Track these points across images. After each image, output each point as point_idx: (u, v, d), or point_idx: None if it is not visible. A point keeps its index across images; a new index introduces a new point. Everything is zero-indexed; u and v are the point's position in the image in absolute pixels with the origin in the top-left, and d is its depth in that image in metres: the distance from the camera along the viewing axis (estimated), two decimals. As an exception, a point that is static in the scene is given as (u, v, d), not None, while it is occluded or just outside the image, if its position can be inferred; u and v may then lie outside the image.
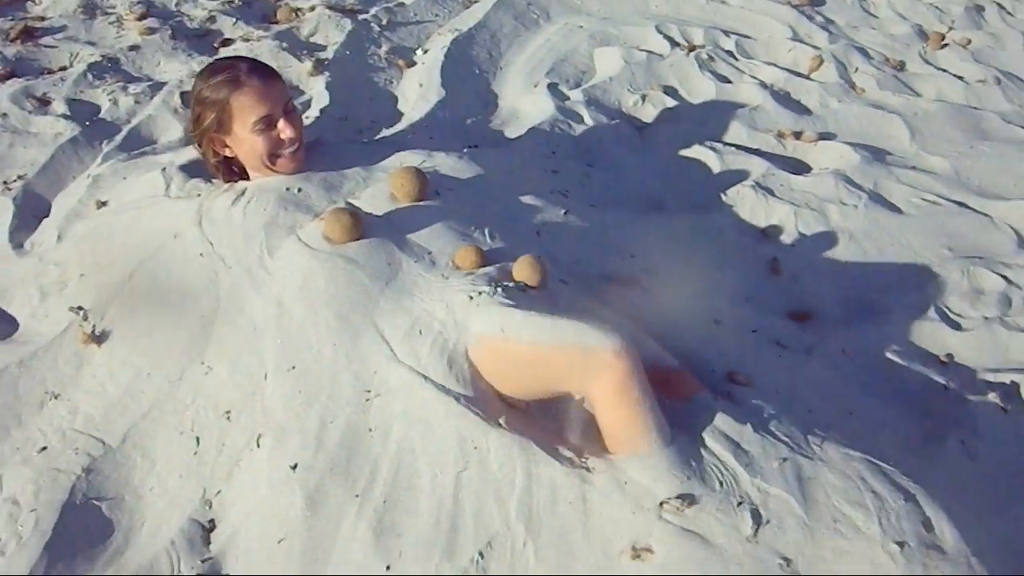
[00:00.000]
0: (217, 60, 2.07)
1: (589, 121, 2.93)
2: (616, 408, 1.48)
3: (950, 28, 3.78)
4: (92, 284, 1.93)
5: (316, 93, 2.89)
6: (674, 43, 3.55)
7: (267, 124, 1.96)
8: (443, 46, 3.29)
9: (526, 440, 1.48)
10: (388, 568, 1.41)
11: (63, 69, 2.94)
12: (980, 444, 1.77)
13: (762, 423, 1.58)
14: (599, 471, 1.46)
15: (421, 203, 1.93)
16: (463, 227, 1.88)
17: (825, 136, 2.95)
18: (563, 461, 1.46)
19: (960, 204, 2.57)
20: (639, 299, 1.91)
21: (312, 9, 3.47)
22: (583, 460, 1.48)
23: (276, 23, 3.40)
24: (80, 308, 1.86)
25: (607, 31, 3.62)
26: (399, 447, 1.52)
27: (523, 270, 1.67)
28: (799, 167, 2.82)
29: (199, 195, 2.01)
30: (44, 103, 2.69)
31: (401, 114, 2.94)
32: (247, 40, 3.16)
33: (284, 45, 3.10)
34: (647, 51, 3.44)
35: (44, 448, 1.67)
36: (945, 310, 2.17)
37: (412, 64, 3.26)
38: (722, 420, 1.57)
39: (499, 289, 1.62)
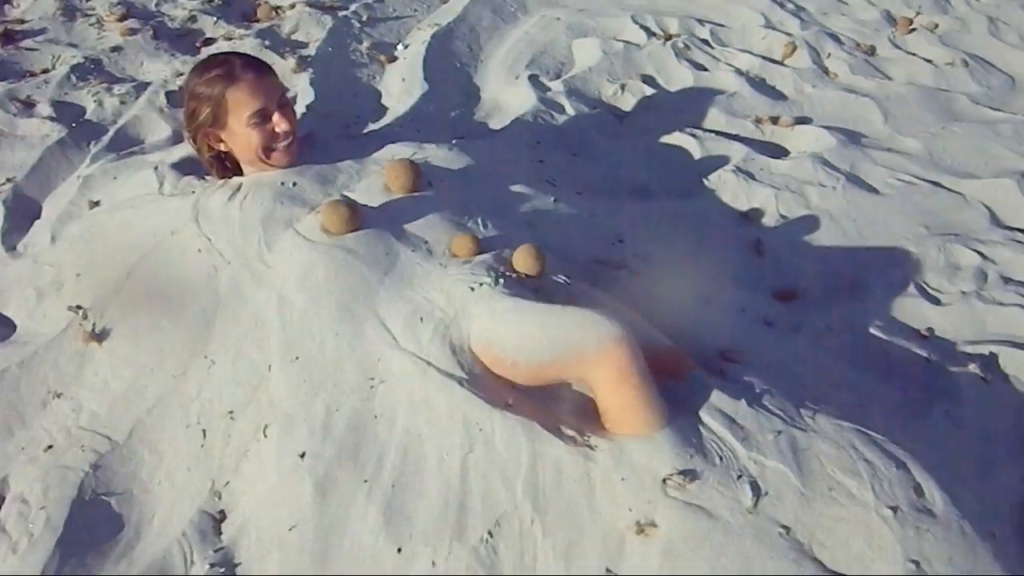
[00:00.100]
0: (211, 56, 2.07)
1: (571, 111, 2.95)
2: (616, 394, 1.51)
3: (917, 13, 3.83)
4: (89, 283, 1.92)
5: (301, 90, 2.89)
6: (650, 33, 3.58)
7: (262, 118, 1.96)
8: (423, 41, 3.30)
9: (530, 421, 1.50)
10: (400, 551, 1.43)
11: (46, 71, 2.92)
12: (963, 413, 1.82)
13: (756, 398, 1.62)
14: (601, 449, 1.49)
15: (415, 194, 1.94)
16: (457, 216, 1.89)
17: (801, 120, 3.00)
18: (566, 440, 1.49)
19: (934, 183, 2.62)
20: (630, 282, 1.94)
21: (292, 7, 3.46)
22: (585, 438, 1.50)
23: (257, 21, 3.39)
24: (79, 307, 1.85)
25: (584, 22, 3.64)
26: (405, 432, 1.54)
27: (523, 260, 1.69)
28: (777, 151, 2.86)
29: (193, 192, 2.01)
30: (29, 105, 2.67)
31: (385, 108, 2.95)
32: (229, 39, 3.15)
33: (267, 43, 3.09)
34: (624, 41, 3.47)
35: (50, 447, 1.67)
36: (924, 286, 2.22)
37: (393, 59, 3.27)
38: (717, 397, 1.60)
39: (500, 280, 1.64)
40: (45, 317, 1.93)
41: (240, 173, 2.06)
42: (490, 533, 1.42)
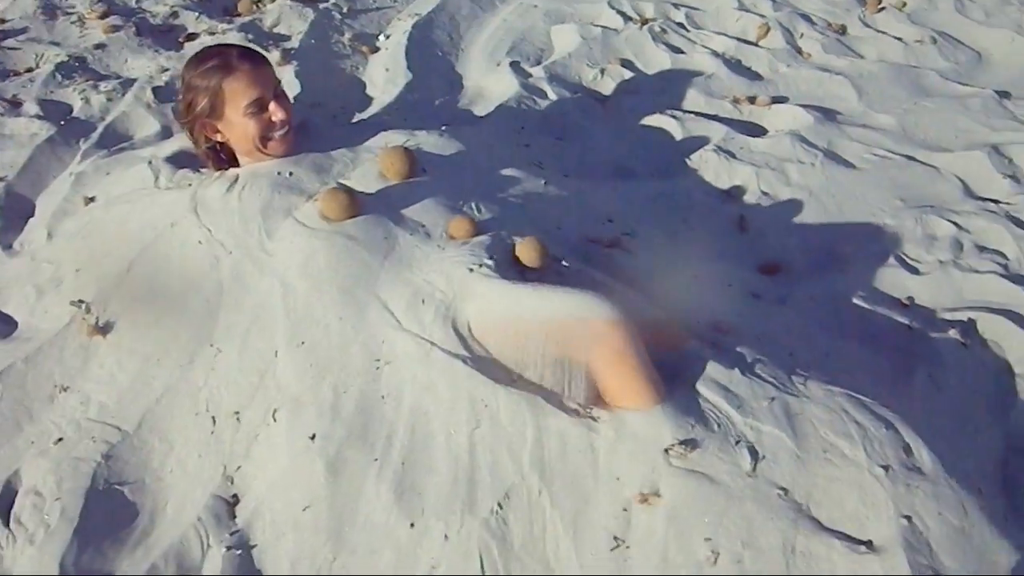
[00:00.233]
0: (206, 47, 2.07)
1: (553, 96, 2.98)
2: (614, 376, 1.54)
3: (885, -8, 3.88)
4: (90, 278, 1.92)
5: (286, 82, 2.86)
6: (627, 17, 3.60)
7: (259, 107, 1.97)
8: (404, 31, 3.31)
9: (533, 395, 1.53)
10: (412, 525, 1.45)
11: (30, 70, 2.89)
12: (945, 376, 1.86)
13: (748, 367, 1.66)
14: (603, 420, 1.52)
15: (410, 180, 1.96)
16: (452, 201, 1.91)
17: (778, 100, 3.04)
18: (569, 412, 1.52)
19: (908, 157, 2.66)
20: (623, 259, 1.97)
21: (273, 0, 3.44)
22: (588, 410, 1.54)
23: (238, 15, 3.37)
24: (81, 302, 1.85)
25: (561, 9, 3.65)
26: (412, 411, 1.56)
27: (526, 253, 1.71)
28: (756, 130, 2.89)
29: (190, 185, 2.01)
30: (15, 104, 2.64)
31: (370, 99, 2.95)
32: (212, 33, 3.14)
33: (250, 36, 3.08)
34: (602, 26, 3.49)
35: (60, 439, 1.67)
36: (903, 256, 2.27)
37: (375, 50, 3.27)
38: (712, 367, 1.64)
39: (499, 264, 1.66)
40: (47, 313, 1.93)
41: (235, 164, 2.07)
42: (500, 505, 1.45)
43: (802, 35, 3.49)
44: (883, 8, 3.72)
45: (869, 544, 1.37)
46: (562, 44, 3.39)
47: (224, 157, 2.07)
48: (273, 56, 3.00)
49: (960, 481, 1.49)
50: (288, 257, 1.78)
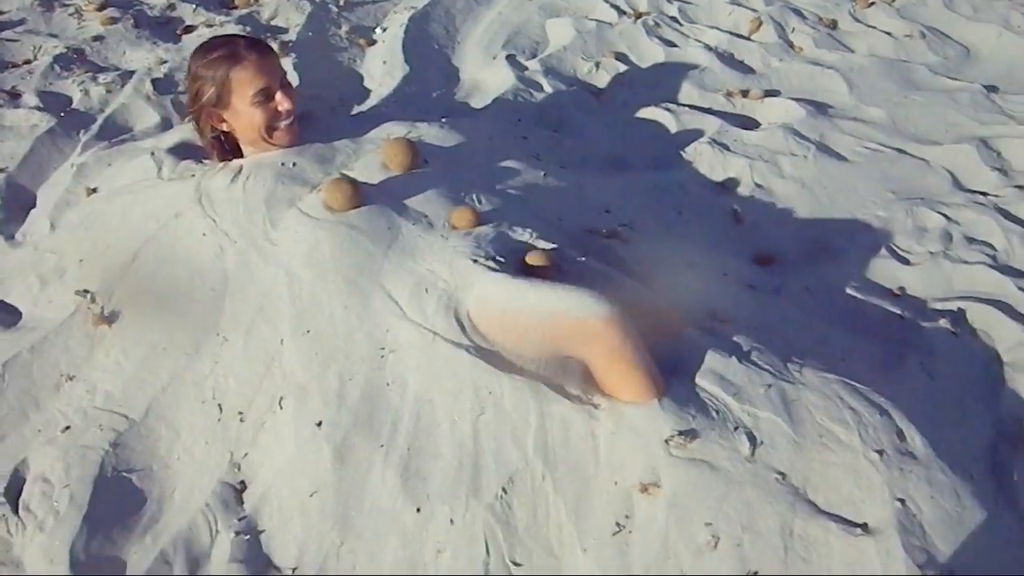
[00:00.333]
0: (213, 38, 2.07)
1: (548, 89, 2.99)
2: (612, 372, 1.56)
3: (875, -13, 3.90)
4: (93, 268, 1.92)
5: (284, 74, 2.88)
6: (620, 11, 3.61)
7: (265, 96, 1.98)
8: (401, 24, 3.31)
9: (536, 382, 1.55)
10: (418, 510, 1.47)
11: (28, 62, 2.87)
12: (936, 364, 1.89)
13: (745, 355, 1.68)
14: (604, 408, 1.54)
15: (413, 171, 1.96)
16: (453, 192, 1.92)
17: (770, 93, 3.06)
18: (572, 399, 1.54)
19: (899, 150, 2.69)
20: (621, 249, 1.98)
21: (269, -7, 3.44)
22: (589, 397, 1.55)
23: (235, 8, 3.36)
24: (86, 291, 1.85)
25: (555, 2, 3.66)
26: (417, 398, 1.57)
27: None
28: (749, 123, 2.91)
29: (193, 176, 2.01)
30: (14, 96, 2.63)
31: (368, 91, 2.96)
32: (210, 26, 3.13)
33: (247, 29, 3.08)
34: (596, 20, 3.50)
35: (67, 428, 1.68)
36: (894, 247, 2.29)
37: (372, 43, 3.27)
38: (709, 355, 1.66)
39: (501, 260, 1.67)
40: (51, 303, 1.93)
41: (239, 155, 2.07)
42: (504, 490, 1.47)
43: (794, 29, 3.51)
44: (873, 3, 3.74)
45: (864, 527, 1.40)
46: (557, 37, 3.40)
47: (228, 148, 2.08)
48: (271, 48, 3.00)
49: (952, 466, 1.52)
50: (293, 247, 1.78)
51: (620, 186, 2.41)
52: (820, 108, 2.92)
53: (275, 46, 2.99)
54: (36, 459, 1.64)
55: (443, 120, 2.33)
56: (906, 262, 2.24)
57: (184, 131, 2.31)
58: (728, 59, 3.28)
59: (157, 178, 2.06)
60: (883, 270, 2.22)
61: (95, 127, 2.52)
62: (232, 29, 3.07)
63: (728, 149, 2.67)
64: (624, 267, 1.90)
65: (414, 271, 1.71)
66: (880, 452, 1.49)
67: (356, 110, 2.74)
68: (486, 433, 1.52)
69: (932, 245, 2.29)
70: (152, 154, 2.13)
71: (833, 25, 3.58)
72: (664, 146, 2.74)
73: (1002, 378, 1.89)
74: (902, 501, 1.42)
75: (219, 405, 1.68)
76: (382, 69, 3.03)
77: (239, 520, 1.53)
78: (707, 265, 2.11)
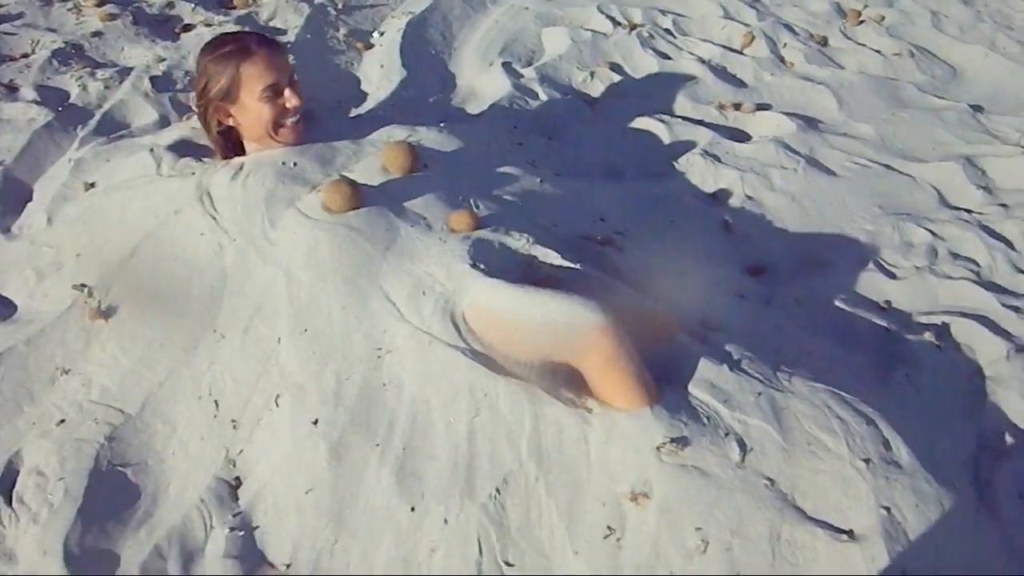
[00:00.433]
0: (223, 34, 2.09)
1: (544, 97, 3.01)
2: (606, 381, 1.57)
3: (865, 6, 3.96)
4: (91, 263, 1.92)
5: (283, 75, 2.88)
6: (615, 22, 3.64)
7: (274, 92, 1.99)
8: (399, 28, 3.32)
9: (531, 385, 1.56)
10: (413, 509, 1.48)
11: (25, 56, 2.86)
12: (921, 377, 1.92)
13: (736, 363, 1.70)
14: (597, 413, 1.56)
15: (412, 175, 1.98)
16: (452, 196, 1.94)
17: (762, 107, 3.09)
18: (566, 402, 1.55)
19: (886, 166, 2.73)
20: (616, 257, 2.00)
21: (268, -6, 3.45)
22: (583, 400, 1.57)
23: (234, 8, 3.36)
24: (84, 286, 1.85)
25: (551, 12, 3.69)
26: (413, 399, 1.59)
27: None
28: (740, 136, 2.95)
29: (193, 173, 2.01)
30: (12, 89, 2.62)
31: (365, 94, 2.97)
32: (209, 25, 3.13)
33: (246, 29, 3.07)
34: (591, 30, 3.53)
35: (62, 421, 1.67)
36: (881, 261, 2.33)
37: (370, 46, 3.28)
38: (701, 363, 1.68)
39: (498, 264, 1.69)
40: (47, 296, 1.92)
41: (242, 152, 2.08)
42: (498, 491, 1.48)
43: (785, 45, 3.55)
44: (863, 21, 3.80)
45: (851, 533, 1.42)
46: (553, 46, 3.42)
47: (231, 144, 2.08)
48: (269, 49, 3.00)
49: (936, 475, 1.55)
50: (291, 247, 1.79)
51: (614, 194, 2.44)
52: (810, 123, 2.96)
53: (274, 47, 3.01)
54: (30, 452, 1.63)
55: (442, 125, 2.35)
56: (893, 276, 2.27)
57: (182, 129, 2.31)
58: (721, 72, 3.32)
59: (156, 175, 2.06)
60: (870, 283, 2.25)
61: (93, 122, 2.51)
62: (231, 29, 3.06)
63: (720, 161, 2.70)
64: (618, 274, 1.92)
65: (412, 273, 1.72)
66: (867, 461, 1.51)
67: (353, 113, 2.75)
68: (481, 434, 1.53)
69: (918, 260, 2.33)
70: (151, 151, 2.13)
71: (824, 42, 3.63)
72: (657, 156, 2.77)
73: (984, 391, 1.92)
74: (887, 509, 1.45)
75: (215, 402, 1.68)
76: (379, 73, 3.04)
77: (234, 516, 1.53)
78: (699, 274, 2.14)
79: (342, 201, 1.80)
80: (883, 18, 3.84)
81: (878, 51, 3.54)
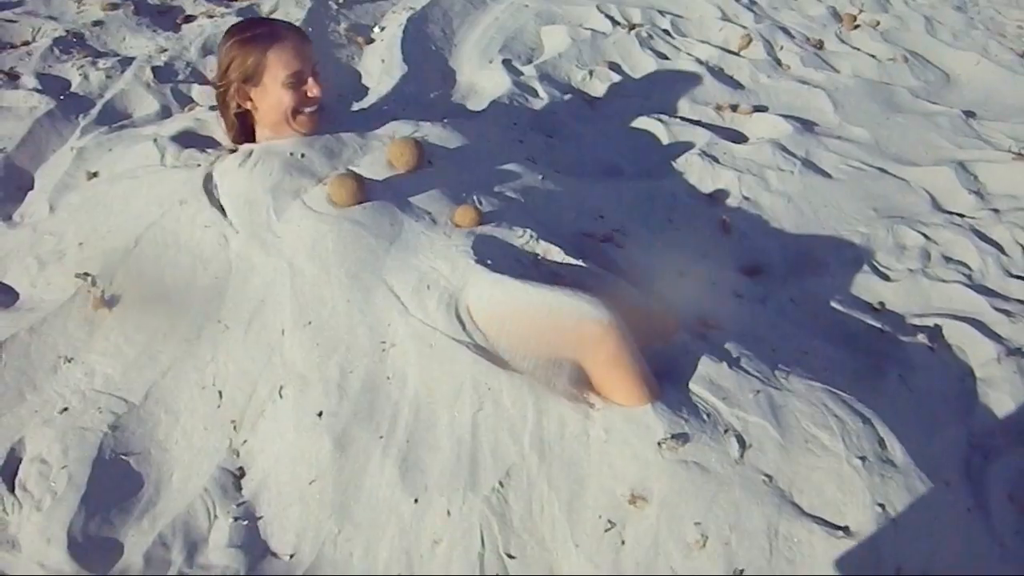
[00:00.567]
0: (251, 19, 2.10)
1: (543, 95, 3.01)
2: (609, 378, 1.58)
3: (861, 10, 3.99)
4: (94, 252, 1.92)
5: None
6: (615, 22, 3.66)
7: (298, 80, 2.00)
8: (400, 24, 3.32)
9: (534, 379, 1.57)
10: (416, 501, 1.49)
11: (26, 44, 2.84)
12: (914, 377, 1.94)
13: (735, 361, 1.72)
14: (599, 409, 1.57)
15: (417, 170, 1.98)
16: (456, 192, 1.94)
17: (759, 108, 3.11)
18: (568, 397, 1.56)
19: (881, 170, 2.75)
20: (615, 254, 2.01)
21: (269, -14, 3.43)
22: (584, 395, 1.58)
23: (235, 0, 3.34)
24: (87, 274, 1.84)
25: (551, 10, 3.69)
26: (417, 392, 1.59)
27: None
28: (737, 137, 2.96)
29: (198, 164, 2.01)
30: (13, 77, 2.60)
31: (366, 89, 2.96)
32: (210, 16, 3.12)
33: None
34: (591, 29, 3.54)
35: (65, 409, 1.67)
36: (875, 263, 2.35)
37: (370, 41, 3.28)
38: (701, 360, 1.69)
39: (502, 259, 1.69)
40: (49, 285, 1.92)
41: (252, 140, 2.08)
42: (500, 483, 1.49)
43: (782, 48, 3.57)
44: (858, 26, 3.83)
45: (846, 529, 1.44)
46: (552, 45, 3.43)
47: (244, 129, 2.09)
48: (271, 42, 3.00)
49: (929, 474, 1.57)
50: (296, 240, 1.79)
51: (613, 192, 2.45)
52: (806, 125, 2.98)
53: (275, 40, 3.00)
54: (33, 439, 1.63)
55: (445, 121, 2.35)
56: (886, 278, 2.30)
57: (185, 120, 2.30)
58: (718, 73, 3.33)
59: (160, 165, 2.05)
60: (864, 285, 2.27)
61: (94, 112, 2.50)
62: (232, 20, 3.06)
63: (717, 161, 2.72)
64: (619, 271, 1.93)
65: (417, 268, 1.72)
66: (862, 459, 1.53)
67: (355, 107, 2.75)
68: (484, 428, 1.54)
69: (911, 263, 2.35)
70: (155, 141, 2.12)
71: (820, 45, 3.65)
72: (656, 156, 2.78)
73: (975, 393, 1.95)
74: (882, 506, 1.47)
75: (219, 392, 1.68)
76: (380, 68, 3.04)
77: (237, 506, 1.54)
78: (697, 273, 2.15)
79: (347, 195, 1.80)
80: (878, 23, 3.86)
81: (873, 56, 3.56)
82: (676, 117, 3.00)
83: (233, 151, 2.04)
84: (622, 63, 3.36)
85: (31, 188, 2.28)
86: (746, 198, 2.59)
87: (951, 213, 2.56)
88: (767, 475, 1.50)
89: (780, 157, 2.74)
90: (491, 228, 1.79)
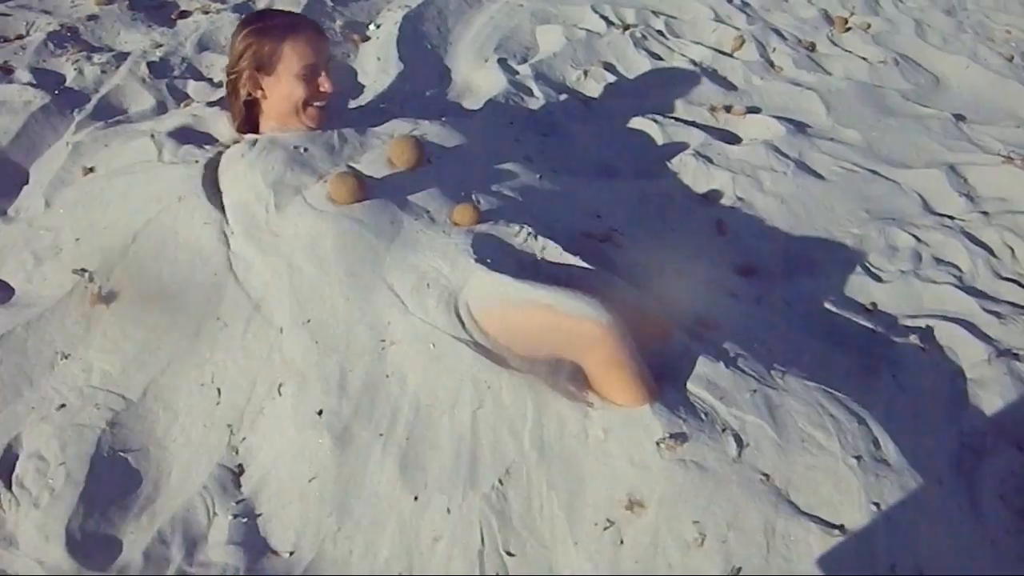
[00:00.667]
0: (269, 9, 2.10)
1: (539, 94, 3.01)
2: (607, 378, 1.57)
3: (852, 13, 4.02)
4: (91, 247, 1.90)
5: (279, 65, 2.86)
6: (609, 22, 3.66)
7: (312, 73, 2.01)
8: (395, 22, 3.32)
9: (534, 377, 1.57)
10: (416, 499, 1.49)
11: (20, 37, 2.82)
12: (907, 377, 1.95)
13: (731, 361, 1.72)
14: (598, 408, 1.57)
15: (417, 169, 1.98)
16: (454, 190, 1.94)
17: (752, 110, 3.12)
18: (567, 395, 1.56)
19: (873, 172, 2.77)
20: (613, 253, 2.02)
21: (265, -18, 3.42)
22: (583, 394, 1.58)
23: (230, -4, 3.33)
24: (84, 270, 1.83)
25: (546, 9, 3.69)
26: (417, 390, 1.59)
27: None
28: (731, 138, 2.97)
29: (197, 161, 2.00)
30: (7, 71, 2.58)
31: (362, 87, 2.96)
32: (206, 12, 3.10)
33: (243, 17, 3.04)
34: (585, 29, 3.54)
35: (63, 405, 1.66)
36: (867, 265, 2.37)
37: (366, 39, 3.27)
38: (698, 360, 1.70)
39: (502, 258, 1.69)
40: (45, 280, 1.90)
41: (256, 131, 2.08)
42: (500, 481, 1.50)
43: (775, 49, 3.59)
44: (849, 28, 3.85)
45: (842, 528, 1.45)
46: (547, 44, 3.43)
47: (250, 119, 2.09)
48: (266, 38, 2.98)
49: (922, 473, 1.58)
50: (295, 238, 1.78)
51: (609, 192, 2.45)
52: (799, 127, 3.00)
53: (271, 36, 2.98)
54: (30, 436, 1.62)
55: (443, 119, 2.35)
56: (878, 279, 2.31)
57: (182, 116, 2.29)
58: (712, 74, 3.34)
59: (158, 160, 2.04)
60: (857, 286, 2.29)
61: (90, 107, 2.48)
62: (228, 17, 3.05)
63: (712, 162, 2.73)
64: (617, 271, 1.93)
65: (416, 266, 1.72)
66: (858, 458, 1.54)
67: (352, 105, 2.74)
68: (484, 425, 1.54)
69: (903, 264, 2.37)
70: (152, 137, 2.11)
71: (812, 47, 3.67)
72: (651, 156, 2.79)
73: (966, 393, 1.96)
74: (877, 505, 1.48)
75: (218, 389, 1.67)
76: (376, 66, 3.03)
77: (237, 503, 1.53)
78: (693, 273, 2.16)
79: (347, 193, 1.79)
80: (869, 26, 3.89)
81: (864, 58, 3.58)
82: (670, 117, 3.00)
83: (236, 143, 2.03)
84: (617, 63, 3.37)
85: (26, 183, 2.26)
86: (740, 199, 2.61)
87: (942, 215, 2.58)
88: (764, 474, 1.50)
89: (774, 158, 2.76)
90: (490, 227, 1.79)
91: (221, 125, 2.20)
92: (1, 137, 2.33)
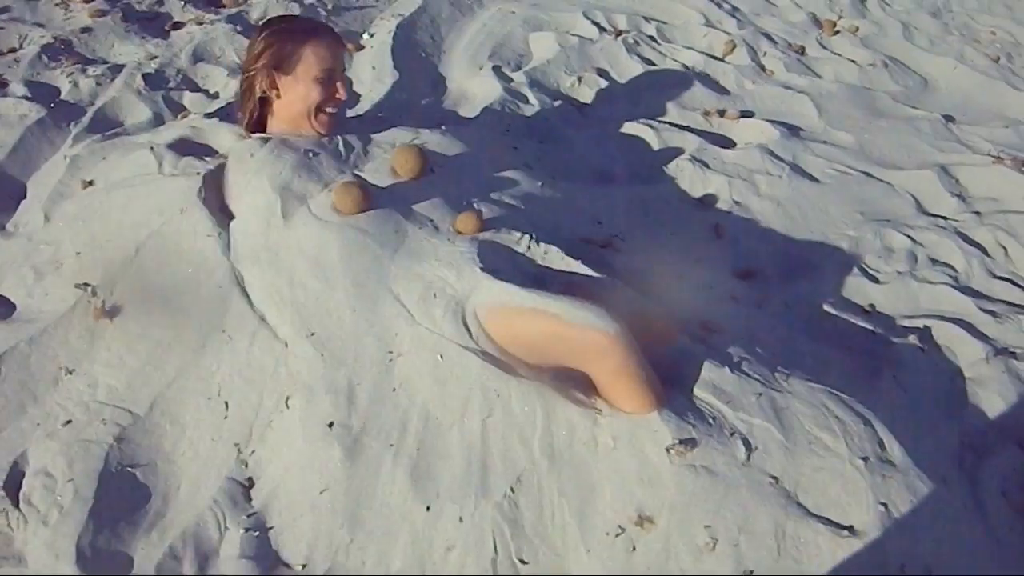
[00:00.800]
0: (291, 14, 2.13)
1: (534, 101, 3.02)
2: (615, 387, 1.57)
3: (840, 16, 4.04)
4: (93, 261, 1.89)
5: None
6: (601, 28, 3.67)
7: (329, 78, 2.03)
8: (389, 31, 3.31)
9: (543, 384, 1.57)
10: (428, 508, 1.48)
11: (13, 51, 2.80)
12: (908, 378, 1.97)
13: (736, 365, 1.73)
14: (607, 415, 1.57)
15: (420, 178, 1.98)
16: (457, 199, 1.94)
17: (745, 114, 3.14)
18: (576, 403, 1.57)
19: (866, 174, 2.79)
20: (614, 259, 2.02)
21: (258, -7, 3.41)
22: (592, 400, 1.58)
23: (223, 7, 3.32)
24: (87, 284, 1.82)
25: (538, 16, 3.71)
26: (426, 400, 1.58)
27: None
28: (726, 142, 2.99)
29: (198, 173, 1.98)
30: (1, 85, 2.56)
31: (358, 95, 2.95)
32: (200, 23, 3.09)
33: (238, 28, 3.05)
34: (578, 36, 3.55)
35: (69, 421, 1.65)
36: (864, 266, 2.38)
37: (360, 48, 3.26)
38: (703, 365, 1.70)
39: (507, 267, 1.69)
40: (47, 295, 1.89)
41: (264, 131, 2.10)
42: (512, 489, 1.49)
43: (765, 53, 3.61)
44: (838, 32, 3.88)
45: (851, 529, 1.45)
46: (540, 51, 3.44)
47: (259, 119, 2.10)
48: (261, 49, 2.98)
49: (928, 473, 1.59)
50: (300, 249, 1.78)
51: (608, 198, 2.46)
52: (792, 130, 3.02)
53: (265, 46, 2.98)
54: (36, 453, 1.60)
55: (442, 128, 2.35)
56: (875, 280, 2.32)
57: (180, 128, 2.28)
58: (704, 79, 3.36)
59: (158, 173, 2.03)
60: (855, 287, 2.30)
61: (86, 119, 2.47)
62: (222, 28, 3.04)
63: (707, 166, 2.74)
64: (619, 277, 1.94)
65: (422, 276, 1.72)
66: (864, 459, 1.55)
67: (349, 114, 2.74)
68: (494, 434, 1.54)
69: (899, 265, 2.38)
70: (151, 149, 2.10)
71: (801, 51, 3.69)
72: (647, 161, 2.80)
73: (965, 392, 1.98)
74: (884, 505, 1.48)
75: (225, 402, 1.66)
76: (371, 75, 3.03)
77: (248, 516, 1.52)
78: (694, 277, 2.17)
79: (352, 203, 1.79)
80: (857, 29, 3.92)
81: (853, 61, 3.61)
82: (665, 123, 3.02)
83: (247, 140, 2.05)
84: (610, 69, 3.38)
85: (23, 197, 2.25)
86: (736, 202, 2.62)
87: (935, 216, 2.60)
88: (773, 477, 1.51)
89: (768, 162, 2.77)
90: (493, 234, 1.79)
91: (220, 137, 2.18)
92: (-3, 151, 2.32)
